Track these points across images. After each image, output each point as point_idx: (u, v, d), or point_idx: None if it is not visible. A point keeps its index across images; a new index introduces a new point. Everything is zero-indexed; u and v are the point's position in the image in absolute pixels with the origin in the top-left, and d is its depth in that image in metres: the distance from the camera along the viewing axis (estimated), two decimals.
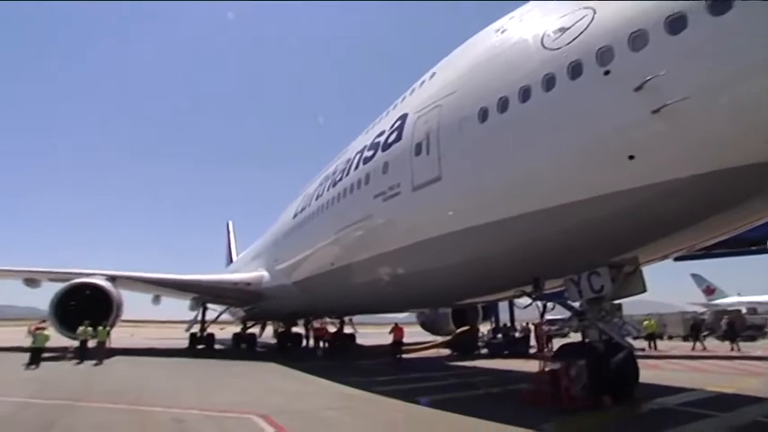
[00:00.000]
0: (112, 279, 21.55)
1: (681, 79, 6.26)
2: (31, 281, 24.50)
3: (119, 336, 31.68)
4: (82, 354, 16.63)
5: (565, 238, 8.27)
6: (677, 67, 6.31)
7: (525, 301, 11.22)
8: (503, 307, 24.70)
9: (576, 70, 7.38)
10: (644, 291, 8.73)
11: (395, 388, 10.89)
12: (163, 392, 10.39)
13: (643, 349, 21.96)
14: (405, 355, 22.64)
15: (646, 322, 25.62)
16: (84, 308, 19.21)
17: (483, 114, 9.06)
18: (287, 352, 26.76)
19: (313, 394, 10.43)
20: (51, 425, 7.03)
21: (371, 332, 60.45)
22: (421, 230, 11.01)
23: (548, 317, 11.00)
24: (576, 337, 11.92)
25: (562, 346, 9.27)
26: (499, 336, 23.88)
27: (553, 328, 33.16)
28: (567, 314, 11.00)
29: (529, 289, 10.34)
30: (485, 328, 27.54)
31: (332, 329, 32.19)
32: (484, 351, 23.69)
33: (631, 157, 6.73)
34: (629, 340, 9.88)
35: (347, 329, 32.04)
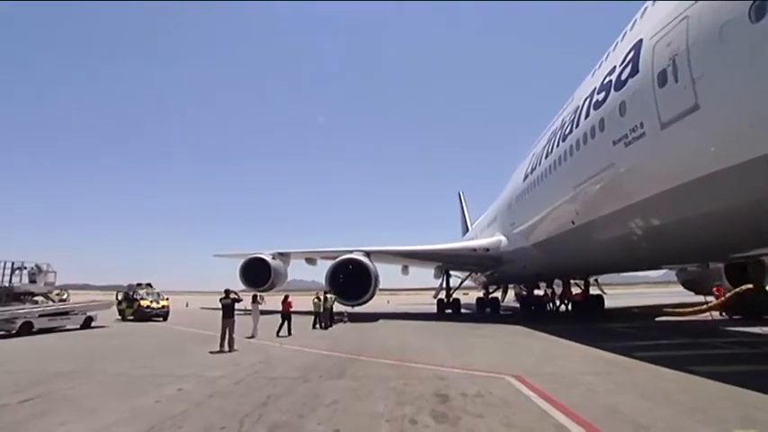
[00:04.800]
0: (368, 254, 24.85)
1: None
2: (310, 260, 30.66)
3: (378, 303, 36.54)
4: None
5: None
6: None
7: None
8: None
9: None
10: None
11: (659, 354, 9.69)
12: (421, 352, 11.47)
13: None
14: (665, 318, 20.08)
15: None
16: (351, 279, 22.87)
17: (758, 9, 6.98)
18: (531, 314, 26.57)
19: (564, 357, 10.05)
20: (343, 373, 8.61)
21: (621, 293, 55.29)
22: (679, 173, 9.25)
23: None
24: None
25: None
26: None
27: None
28: None
29: None
30: None
31: (577, 291, 30.58)
32: None
33: None
34: None
35: (593, 290, 29.91)
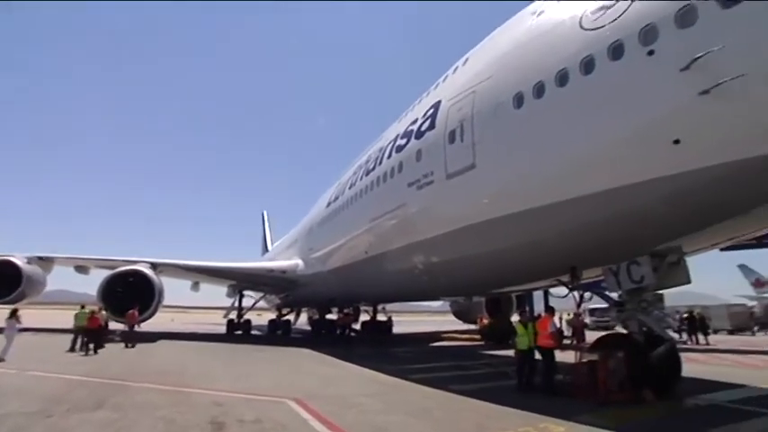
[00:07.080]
0: (154, 267, 22.36)
1: (735, 56, 5.83)
2: (81, 268, 25.99)
3: (160, 320, 32.99)
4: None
5: (603, 225, 7.98)
6: (732, 44, 5.86)
7: (562, 290, 10.99)
8: (538, 297, 24.32)
9: (616, 51, 7.08)
10: (688, 282, 8.32)
11: (428, 376, 10.91)
12: (202, 376, 10.76)
13: (685, 342, 21.28)
14: (438, 343, 22.81)
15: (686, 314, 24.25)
16: (131, 294, 20.14)
17: (518, 100, 8.85)
18: (321, 338, 27.26)
19: (345, 380, 10.56)
20: (103, 403, 7.41)
21: (407, 320, 60.91)
22: (455, 219, 10.92)
23: (593, 306, 10.74)
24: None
25: (601, 338, 9.05)
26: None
27: (602, 319, 31.56)
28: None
29: (566, 278, 10.12)
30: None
31: (365, 317, 32.59)
32: None
33: (676, 142, 6.41)
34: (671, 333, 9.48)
35: (382, 317, 32.30)
